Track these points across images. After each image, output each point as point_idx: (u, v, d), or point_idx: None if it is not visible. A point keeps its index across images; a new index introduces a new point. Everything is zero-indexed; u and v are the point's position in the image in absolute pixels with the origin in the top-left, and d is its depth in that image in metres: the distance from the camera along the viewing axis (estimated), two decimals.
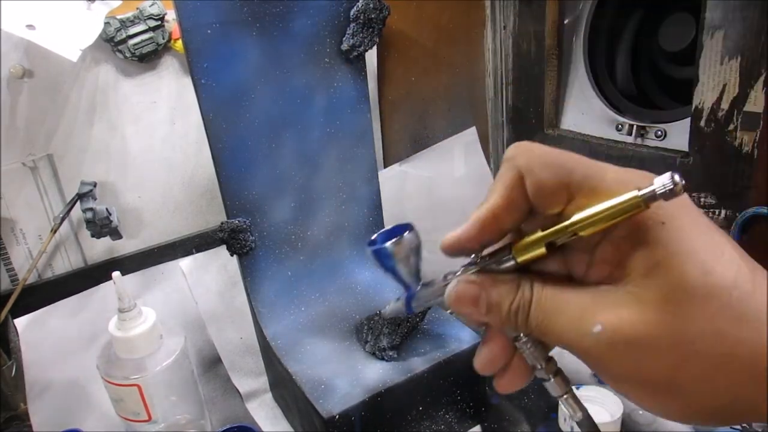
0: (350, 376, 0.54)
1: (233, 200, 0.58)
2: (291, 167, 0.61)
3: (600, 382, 0.64)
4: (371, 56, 0.81)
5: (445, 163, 0.88)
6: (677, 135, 0.76)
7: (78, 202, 0.67)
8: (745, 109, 0.63)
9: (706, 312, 0.20)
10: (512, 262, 0.25)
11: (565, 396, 0.26)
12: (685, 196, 0.21)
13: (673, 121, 0.76)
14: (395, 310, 0.31)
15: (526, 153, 0.23)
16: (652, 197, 0.20)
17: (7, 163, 0.65)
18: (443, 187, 0.87)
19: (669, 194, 0.20)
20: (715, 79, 0.64)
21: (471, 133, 0.89)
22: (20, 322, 0.63)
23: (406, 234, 0.28)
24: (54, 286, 0.69)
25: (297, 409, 0.58)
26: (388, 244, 0.27)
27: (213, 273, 0.73)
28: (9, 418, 0.63)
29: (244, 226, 0.58)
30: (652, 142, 0.79)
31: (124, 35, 0.66)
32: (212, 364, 0.70)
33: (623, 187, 0.21)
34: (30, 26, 0.60)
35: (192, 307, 0.71)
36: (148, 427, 0.55)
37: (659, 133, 0.78)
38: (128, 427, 0.56)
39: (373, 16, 0.59)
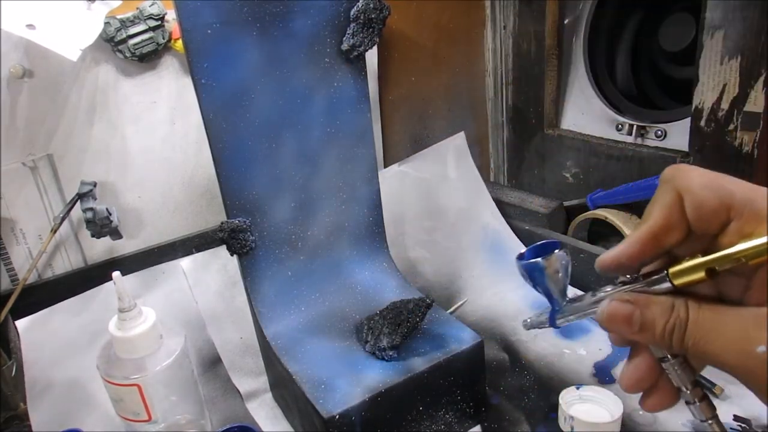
0: (350, 376, 0.54)
1: (233, 200, 0.58)
2: (291, 167, 0.61)
3: (600, 382, 0.65)
4: (371, 56, 0.81)
5: (438, 166, 0.88)
6: (677, 135, 0.76)
7: (78, 202, 0.67)
8: (745, 109, 0.63)
9: None
10: (668, 285, 0.25)
11: (710, 421, 0.26)
12: None
13: (673, 121, 0.77)
14: (538, 324, 0.32)
15: (685, 174, 0.24)
16: None
17: (7, 163, 0.65)
18: (439, 188, 0.87)
19: None
20: (715, 79, 0.64)
21: (459, 138, 0.89)
22: (22, 323, 0.63)
23: (557, 251, 0.29)
24: (54, 286, 0.69)
25: (297, 409, 0.58)
26: (541, 259, 0.28)
27: (213, 273, 0.73)
28: (9, 418, 0.63)
29: (244, 226, 0.58)
30: (652, 142, 0.79)
31: (124, 35, 0.66)
32: (212, 364, 0.70)
33: None
34: (30, 26, 0.60)
35: (192, 307, 0.71)
36: (148, 427, 0.55)
37: (659, 133, 0.78)
38: (128, 427, 0.56)
39: (373, 16, 0.59)
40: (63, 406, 0.63)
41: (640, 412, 0.60)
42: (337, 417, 0.50)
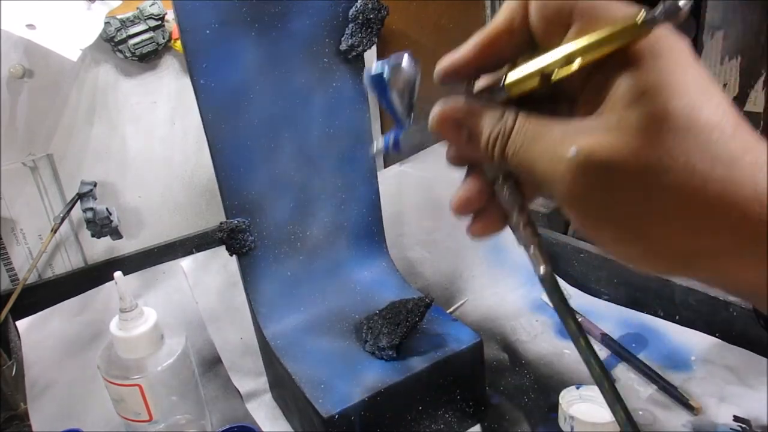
0: (350, 375, 0.54)
1: (232, 200, 0.58)
2: (290, 167, 0.61)
3: None
4: (371, 56, 0.81)
5: (442, 164, 0.88)
6: None
7: (78, 202, 0.67)
8: (745, 109, 0.63)
9: (683, 146, 0.19)
10: (503, 94, 0.24)
11: (531, 246, 0.25)
12: (686, 41, 0.20)
13: None
14: (381, 148, 0.30)
15: None
16: (652, 20, 0.19)
17: (7, 163, 0.65)
18: (441, 187, 0.87)
19: (672, 14, 0.19)
20: (715, 79, 0.64)
21: None
22: (22, 324, 0.63)
23: (404, 62, 0.27)
24: (54, 285, 0.69)
25: (297, 408, 0.58)
26: (385, 69, 0.27)
27: (213, 273, 0.73)
28: (9, 418, 0.63)
29: (243, 226, 0.58)
30: None
31: (124, 35, 0.66)
32: (212, 364, 0.70)
33: (629, 17, 0.20)
34: (30, 26, 0.60)
35: (192, 307, 0.71)
36: (149, 427, 0.55)
37: None
38: (129, 427, 0.56)
39: (371, 16, 0.59)
40: (63, 406, 0.63)
41: (640, 412, 0.60)
42: (337, 417, 0.50)
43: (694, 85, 0.20)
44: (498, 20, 0.24)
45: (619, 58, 0.20)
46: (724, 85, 0.64)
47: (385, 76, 0.27)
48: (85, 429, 0.58)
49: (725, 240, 0.20)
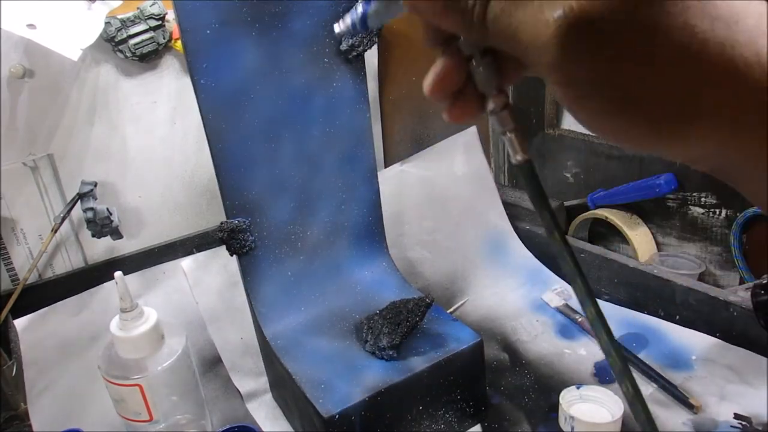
0: (350, 375, 0.54)
1: (232, 200, 0.58)
2: (290, 167, 0.61)
3: (600, 382, 0.64)
4: (372, 56, 0.81)
5: (445, 163, 0.88)
6: None
7: (78, 202, 0.67)
8: None
9: (681, 4, 0.18)
10: None
11: (509, 132, 0.23)
12: None
13: None
14: (352, 25, 0.28)
15: None
16: None
17: (7, 163, 0.65)
18: (444, 186, 0.87)
19: None
20: None
21: (471, 133, 0.89)
22: (20, 323, 0.63)
23: None
24: (54, 286, 0.69)
25: (297, 408, 0.58)
26: None
27: (213, 273, 0.73)
28: (9, 418, 0.63)
29: (244, 226, 0.58)
30: None
31: (124, 35, 0.66)
32: (212, 364, 0.70)
33: None
34: (30, 25, 0.60)
35: (192, 307, 0.71)
36: (149, 427, 0.55)
37: None
38: (129, 427, 0.56)
39: None
40: (63, 406, 0.63)
41: None
42: (337, 417, 0.50)
43: None
44: None
45: None
46: None
47: None
48: (85, 429, 0.58)
49: (722, 106, 0.18)
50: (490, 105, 0.24)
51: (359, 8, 0.27)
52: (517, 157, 0.23)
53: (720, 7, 0.18)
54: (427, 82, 0.25)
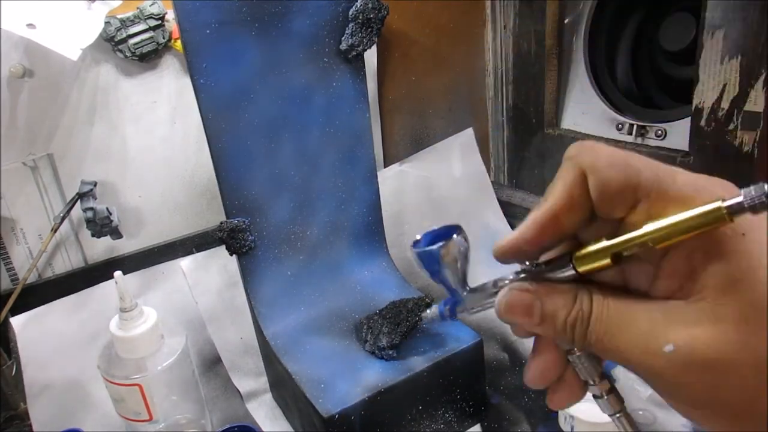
0: (350, 375, 0.54)
1: (232, 200, 0.58)
2: (290, 167, 0.61)
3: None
4: (371, 56, 0.81)
5: (444, 163, 0.88)
6: (677, 134, 0.76)
7: (78, 202, 0.67)
8: (745, 108, 0.63)
9: None
10: (571, 272, 0.23)
11: (618, 415, 0.25)
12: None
13: (674, 121, 0.76)
14: (436, 317, 0.30)
15: (590, 151, 0.22)
16: (739, 209, 0.18)
17: (7, 162, 0.65)
18: (442, 186, 0.87)
19: (760, 207, 0.18)
20: (715, 78, 0.64)
21: (468, 134, 0.89)
22: (17, 321, 0.63)
23: (454, 236, 0.26)
24: (54, 285, 0.69)
25: (297, 408, 0.58)
26: (436, 246, 0.26)
27: (213, 273, 0.73)
28: (9, 418, 0.63)
29: (243, 225, 0.58)
30: (652, 141, 0.79)
31: (124, 35, 0.66)
32: (212, 363, 0.70)
33: (697, 194, 0.19)
34: (30, 25, 0.60)
35: (192, 307, 0.71)
36: (149, 426, 0.55)
37: (659, 132, 0.78)
38: (129, 427, 0.56)
39: (371, 15, 0.59)
40: (63, 406, 0.63)
41: (641, 412, 0.60)
42: (337, 416, 0.50)
43: None
44: (556, 196, 0.22)
45: (699, 235, 0.19)
46: (724, 85, 0.64)
47: (435, 253, 0.26)
48: (85, 429, 0.58)
49: None
50: (596, 391, 0.25)
51: (448, 304, 0.29)
52: None
53: None
54: (530, 375, 0.26)
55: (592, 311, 0.22)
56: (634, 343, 0.21)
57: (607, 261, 0.22)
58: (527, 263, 0.25)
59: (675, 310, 0.20)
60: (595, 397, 0.25)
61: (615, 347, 0.21)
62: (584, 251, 0.22)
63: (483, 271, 0.85)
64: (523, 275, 0.25)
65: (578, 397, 0.26)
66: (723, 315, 0.19)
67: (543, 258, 0.25)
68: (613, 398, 0.25)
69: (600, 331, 0.22)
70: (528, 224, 0.23)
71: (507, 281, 0.25)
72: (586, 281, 0.23)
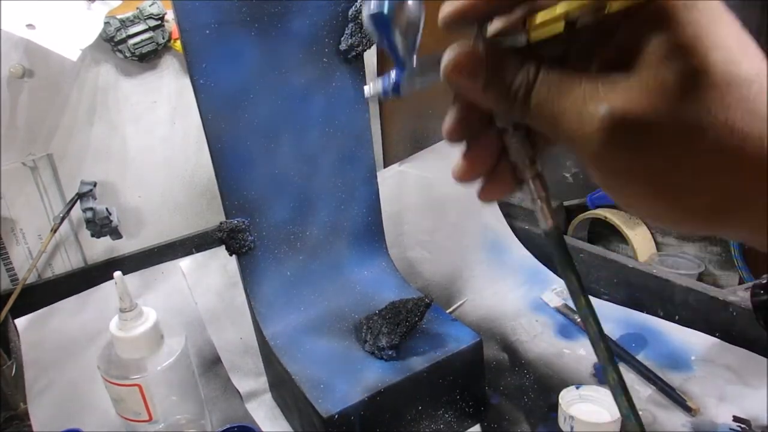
0: (349, 375, 0.54)
1: (232, 200, 0.58)
2: (289, 167, 0.61)
3: (600, 382, 0.64)
4: (371, 56, 0.81)
5: (444, 163, 0.88)
6: None
7: (78, 202, 0.67)
8: None
9: (723, 102, 0.18)
10: (522, 40, 0.22)
11: (539, 200, 0.24)
12: None
13: None
14: (382, 90, 0.28)
15: None
16: None
17: (7, 163, 0.65)
18: (442, 186, 0.87)
19: None
20: None
21: None
22: (21, 322, 0.63)
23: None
24: (54, 285, 0.69)
25: (296, 408, 0.58)
26: (386, 6, 0.25)
27: (213, 273, 0.73)
28: (9, 418, 0.63)
29: (243, 226, 0.58)
30: None
31: (124, 35, 0.66)
32: (212, 364, 0.70)
33: None
34: (30, 26, 0.60)
35: (192, 307, 0.71)
36: (149, 427, 0.55)
37: None
38: (128, 427, 0.56)
39: None
40: (63, 406, 0.63)
41: (640, 412, 0.60)
42: (337, 417, 0.50)
43: (730, 38, 0.19)
44: None
45: (648, 9, 0.19)
46: None
47: (386, 12, 0.25)
48: (85, 429, 0.58)
49: (759, 199, 0.19)
50: (525, 175, 0.25)
51: (392, 75, 0.27)
52: (547, 225, 0.24)
53: (759, 102, 0.18)
54: (459, 169, 0.26)
55: (537, 77, 0.22)
56: (571, 109, 0.21)
57: (559, 27, 0.21)
58: (477, 29, 0.24)
59: (615, 78, 0.20)
60: (522, 182, 0.25)
61: (553, 111, 0.21)
62: (539, 19, 0.22)
63: (482, 270, 0.86)
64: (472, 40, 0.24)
65: (510, 188, 0.26)
66: (662, 80, 0.19)
67: (497, 25, 0.24)
68: (539, 183, 0.25)
69: (541, 95, 0.21)
70: None
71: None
72: (532, 53, 0.23)
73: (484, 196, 0.26)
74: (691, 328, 0.67)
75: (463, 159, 0.26)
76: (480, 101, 0.24)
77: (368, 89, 0.29)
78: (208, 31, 0.53)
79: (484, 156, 0.26)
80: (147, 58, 0.68)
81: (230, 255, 0.59)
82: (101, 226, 0.66)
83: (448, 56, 0.24)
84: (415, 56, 0.27)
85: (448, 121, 0.26)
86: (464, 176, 0.26)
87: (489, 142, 0.25)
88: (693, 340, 0.66)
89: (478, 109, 0.25)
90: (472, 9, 0.22)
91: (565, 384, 0.61)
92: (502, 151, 0.25)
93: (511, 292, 0.83)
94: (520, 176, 0.25)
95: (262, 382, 0.68)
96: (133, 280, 0.69)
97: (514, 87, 0.22)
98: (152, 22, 0.66)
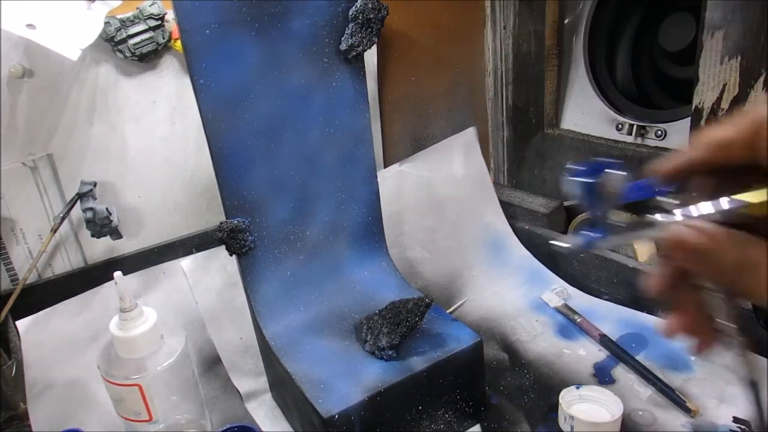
0: (349, 375, 0.54)
1: (232, 200, 0.58)
2: (290, 167, 0.61)
3: (600, 382, 0.64)
4: (371, 56, 0.81)
5: (444, 163, 0.88)
6: (677, 134, 0.76)
7: (78, 202, 0.67)
8: (745, 108, 0.63)
9: None
10: (743, 208, 0.22)
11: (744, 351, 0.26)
12: None
13: (673, 121, 0.76)
14: (577, 245, 0.29)
15: (762, 107, 0.21)
16: None
17: (7, 163, 0.65)
18: (443, 186, 0.87)
19: None
20: (715, 78, 0.64)
21: (470, 133, 0.90)
22: (22, 324, 0.63)
23: (613, 169, 0.27)
24: (54, 285, 0.69)
25: (296, 408, 0.58)
26: (599, 177, 0.27)
27: (213, 273, 0.73)
28: (9, 418, 0.63)
29: (243, 226, 0.58)
30: (652, 141, 0.79)
31: (124, 35, 0.66)
32: (212, 364, 0.70)
33: None
34: (30, 25, 0.60)
35: (192, 307, 0.71)
36: (149, 427, 0.55)
37: (659, 132, 0.78)
38: (129, 427, 0.56)
39: (371, 16, 0.59)
40: (63, 406, 0.63)
41: (640, 413, 0.60)
42: (337, 417, 0.50)
43: None
44: (727, 127, 0.22)
45: None
46: (724, 86, 0.64)
47: (595, 181, 0.27)
48: (85, 429, 0.58)
49: None
50: (731, 331, 0.26)
51: (590, 235, 0.29)
52: (750, 376, 0.27)
53: None
54: (673, 327, 0.26)
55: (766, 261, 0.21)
56: None
57: None
58: (667, 198, 0.25)
59: None
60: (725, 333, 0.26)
61: None
62: (756, 193, 0.21)
63: (483, 270, 0.86)
64: (680, 209, 0.24)
65: (716, 339, 0.26)
66: None
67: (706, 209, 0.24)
68: (744, 346, 0.26)
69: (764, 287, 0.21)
70: (697, 146, 0.23)
71: (665, 217, 0.25)
72: (742, 227, 0.22)
73: (700, 352, 0.27)
74: None
75: (676, 318, 0.26)
76: (697, 273, 0.24)
77: (564, 243, 0.33)
78: (208, 31, 0.53)
79: (687, 310, 0.26)
80: (147, 58, 0.68)
81: (230, 255, 0.59)
82: (101, 226, 0.66)
83: (674, 233, 0.24)
84: (610, 215, 0.28)
85: (658, 278, 0.26)
86: (673, 331, 0.27)
87: (692, 297, 0.26)
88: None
89: (688, 272, 0.25)
90: (687, 167, 0.23)
91: (565, 384, 0.62)
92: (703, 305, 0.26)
93: (511, 292, 0.83)
94: (723, 331, 0.26)
95: (262, 382, 0.68)
96: (133, 280, 0.69)
97: (738, 267, 0.22)
98: (152, 22, 0.66)
